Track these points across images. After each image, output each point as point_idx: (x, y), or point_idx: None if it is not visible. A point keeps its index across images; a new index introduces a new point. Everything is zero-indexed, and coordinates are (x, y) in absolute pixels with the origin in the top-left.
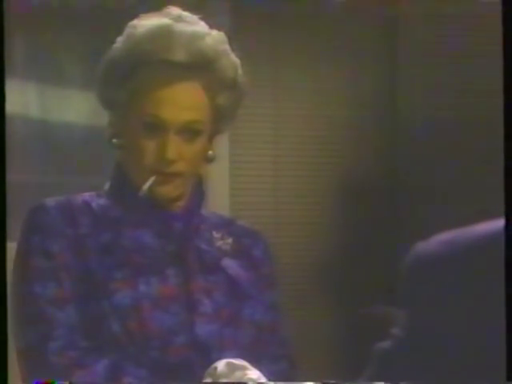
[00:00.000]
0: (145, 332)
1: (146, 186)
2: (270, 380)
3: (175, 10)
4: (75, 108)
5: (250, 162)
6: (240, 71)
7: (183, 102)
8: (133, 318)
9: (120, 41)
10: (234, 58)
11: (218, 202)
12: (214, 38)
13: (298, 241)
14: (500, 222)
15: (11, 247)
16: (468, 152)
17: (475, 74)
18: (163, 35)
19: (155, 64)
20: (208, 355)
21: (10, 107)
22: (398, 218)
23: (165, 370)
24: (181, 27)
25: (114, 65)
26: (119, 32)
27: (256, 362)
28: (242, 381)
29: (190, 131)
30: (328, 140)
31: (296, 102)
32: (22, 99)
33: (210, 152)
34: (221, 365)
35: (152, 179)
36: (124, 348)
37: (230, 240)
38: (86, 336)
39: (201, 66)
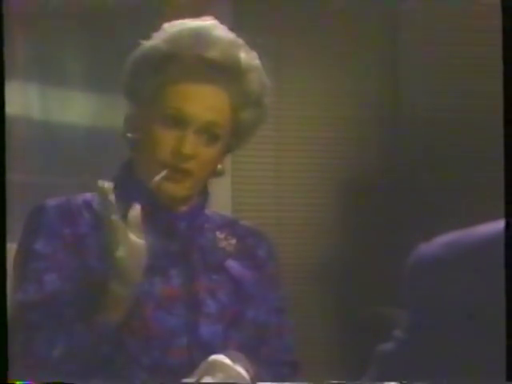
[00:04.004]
0: (147, 332)
1: (157, 178)
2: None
3: (211, 19)
4: (76, 108)
5: (251, 163)
6: (267, 92)
7: (208, 101)
8: (135, 318)
9: (155, 36)
10: (264, 77)
11: (220, 203)
12: (248, 51)
13: (300, 242)
14: (501, 223)
15: (11, 248)
16: (469, 153)
17: (476, 75)
18: (203, 33)
19: (188, 59)
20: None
21: (11, 107)
22: (401, 218)
23: (167, 371)
24: (221, 32)
25: (147, 56)
26: (121, 32)
27: (258, 365)
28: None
29: (209, 133)
30: (330, 141)
31: (298, 103)
32: (23, 99)
33: (220, 166)
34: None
35: (164, 172)
36: (126, 348)
37: (233, 241)
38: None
39: (231, 73)
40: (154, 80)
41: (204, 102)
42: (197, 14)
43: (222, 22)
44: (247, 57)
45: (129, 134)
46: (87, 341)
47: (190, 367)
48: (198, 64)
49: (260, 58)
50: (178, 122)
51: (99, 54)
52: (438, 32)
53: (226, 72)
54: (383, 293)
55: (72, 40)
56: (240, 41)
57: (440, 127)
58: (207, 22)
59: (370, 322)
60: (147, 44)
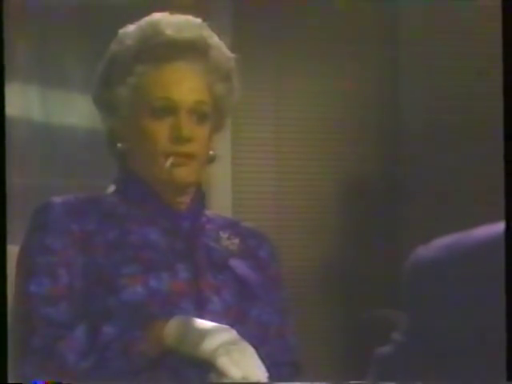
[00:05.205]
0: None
1: (167, 165)
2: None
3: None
4: (77, 110)
5: (251, 165)
6: (233, 65)
7: (189, 82)
8: (141, 315)
9: (113, 43)
10: (228, 52)
11: (220, 204)
12: (207, 29)
13: (299, 243)
14: (500, 226)
15: (11, 250)
16: (468, 154)
17: (475, 76)
18: (160, 20)
19: (156, 47)
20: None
21: (11, 109)
22: (400, 220)
23: (171, 368)
24: (177, 16)
25: (116, 61)
26: None
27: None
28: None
29: (198, 113)
30: (329, 143)
31: (297, 105)
32: (23, 101)
33: (211, 152)
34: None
35: (171, 159)
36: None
37: (236, 240)
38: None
39: (198, 50)
40: (126, 83)
41: (186, 83)
42: (197, 14)
43: (221, 22)
44: (208, 34)
45: (119, 144)
46: (122, 362)
47: (193, 366)
48: (166, 48)
49: (260, 59)
50: (169, 109)
51: (100, 55)
52: (437, 33)
53: (193, 50)
54: (383, 295)
55: (72, 41)
56: (198, 20)
57: (440, 129)
58: (160, 13)
59: (370, 323)
60: (108, 52)
